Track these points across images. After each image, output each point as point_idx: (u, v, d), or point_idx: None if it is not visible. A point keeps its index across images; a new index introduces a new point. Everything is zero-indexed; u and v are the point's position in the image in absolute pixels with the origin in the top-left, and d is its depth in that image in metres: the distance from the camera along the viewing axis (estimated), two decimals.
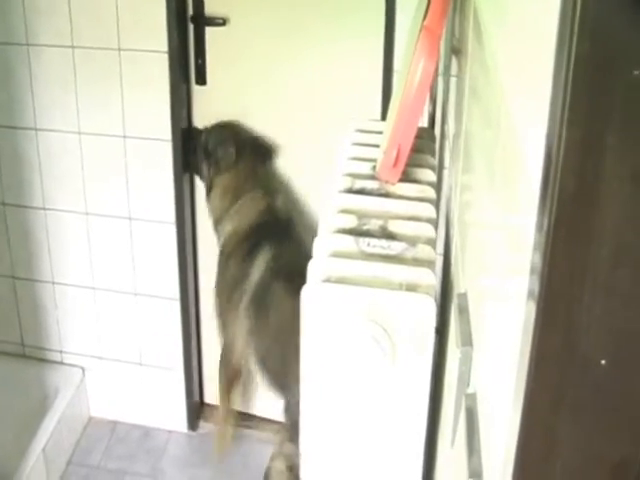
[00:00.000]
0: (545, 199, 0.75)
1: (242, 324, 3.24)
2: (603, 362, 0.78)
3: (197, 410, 4.03)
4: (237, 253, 3.33)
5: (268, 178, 3.50)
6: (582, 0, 0.68)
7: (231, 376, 3.55)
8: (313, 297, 1.67)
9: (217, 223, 3.44)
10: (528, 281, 0.83)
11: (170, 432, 3.97)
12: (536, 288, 0.79)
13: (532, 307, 0.80)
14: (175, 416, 3.96)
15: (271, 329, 3.15)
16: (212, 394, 3.99)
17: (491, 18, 1.29)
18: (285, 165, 3.50)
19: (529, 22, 0.93)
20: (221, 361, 3.53)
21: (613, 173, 0.71)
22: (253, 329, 3.21)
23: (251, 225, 3.33)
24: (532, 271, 0.81)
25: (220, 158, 3.42)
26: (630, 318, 0.77)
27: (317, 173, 3.37)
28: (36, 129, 3.62)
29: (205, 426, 4.00)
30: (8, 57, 3.53)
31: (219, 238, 3.43)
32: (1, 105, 3.62)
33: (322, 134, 3.35)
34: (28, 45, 3.48)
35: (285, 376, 3.02)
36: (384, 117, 3.14)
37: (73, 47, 3.43)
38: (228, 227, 3.38)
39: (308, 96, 3.37)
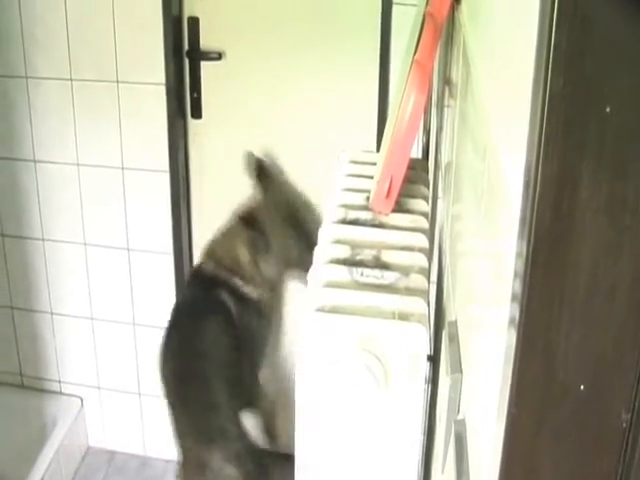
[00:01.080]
0: (523, 230, 0.78)
1: None
2: (582, 387, 0.81)
3: None
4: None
5: None
6: (555, 37, 0.71)
7: None
8: (307, 326, 1.69)
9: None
10: (509, 309, 0.85)
11: (168, 462, 3.97)
12: (516, 315, 0.81)
13: (513, 334, 0.82)
14: (173, 446, 3.96)
15: None
16: None
17: (477, 51, 1.32)
18: None
19: (510, 58, 0.96)
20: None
21: (587, 205, 0.74)
22: None
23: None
24: (512, 299, 0.83)
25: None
26: (607, 344, 0.79)
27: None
28: (35, 161, 3.65)
29: None
30: (7, 89, 3.57)
31: None
32: (0, 137, 3.65)
33: (318, 166, 3.38)
34: (27, 78, 3.52)
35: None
36: (379, 148, 3.18)
37: (72, 80, 3.48)
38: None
39: (303, 128, 3.40)
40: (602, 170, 0.73)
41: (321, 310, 1.70)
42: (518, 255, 0.81)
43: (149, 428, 3.99)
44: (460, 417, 1.26)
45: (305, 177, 3.45)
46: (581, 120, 0.72)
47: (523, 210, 0.79)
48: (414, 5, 2.99)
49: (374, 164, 2.19)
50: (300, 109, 3.40)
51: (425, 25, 1.74)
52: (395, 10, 3.09)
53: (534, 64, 0.77)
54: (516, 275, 0.82)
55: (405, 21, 3.02)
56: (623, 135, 0.72)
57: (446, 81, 2.32)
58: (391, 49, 3.13)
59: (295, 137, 3.43)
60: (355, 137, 3.30)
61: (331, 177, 3.04)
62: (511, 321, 0.84)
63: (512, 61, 0.94)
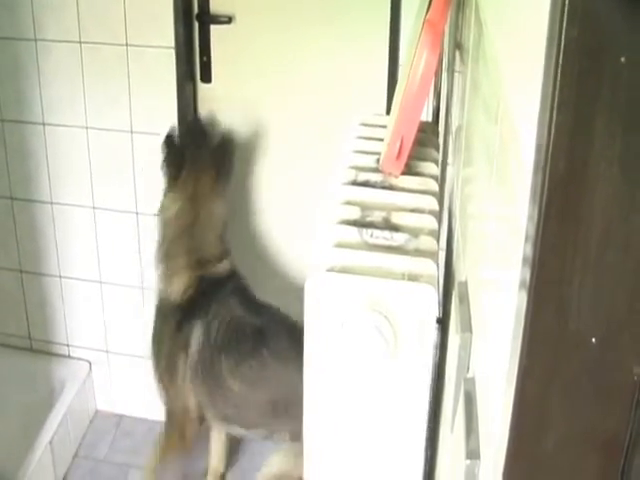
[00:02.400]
0: (536, 182, 0.78)
1: (190, 392, 3.14)
2: (594, 340, 0.81)
3: None
4: (170, 322, 3.15)
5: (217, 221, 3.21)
6: None
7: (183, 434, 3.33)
8: (317, 286, 1.70)
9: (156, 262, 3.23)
10: (521, 264, 0.85)
11: None
12: (528, 270, 0.81)
13: (525, 285, 0.82)
14: None
15: (232, 393, 3.06)
16: None
17: (490, 11, 1.31)
18: (289, 161, 3.52)
19: (523, 12, 0.95)
20: (167, 423, 3.35)
21: (601, 156, 0.74)
22: (209, 395, 3.12)
23: (183, 297, 3.10)
24: (525, 249, 0.83)
25: (169, 165, 3.20)
26: (619, 297, 0.79)
27: (322, 168, 3.41)
28: (44, 124, 3.64)
29: None
30: (16, 52, 3.55)
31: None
32: (9, 100, 3.64)
33: (328, 130, 3.38)
34: (36, 40, 3.50)
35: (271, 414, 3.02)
36: (389, 111, 3.17)
37: (81, 42, 3.46)
38: (161, 285, 3.18)
39: (314, 93, 3.39)
40: (616, 121, 0.73)
41: (331, 270, 1.70)
42: (530, 205, 0.81)
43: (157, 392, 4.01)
44: (470, 375, 1.26)
45: (315, 141, 3.44)
46: (596, 70, 0.72)
47: (536, 162, 0.79)
48: None
49: (385, 127, 2.19)
50: (310, 73, 3.38)
51: None
52: None
53: (548, 16, 0.76)
54: (528, 228, 0.82)
55: None
56: (638, 85, 0.72)
57: (457, 46, 2.31)
58: (401, 14, 3.11)
59: (305, 101, 3.42)
60: (365, 101, 3.28)
61: (341, 141, 3.04)
62: (524, 273, 0.84)
63: (526, 15, 0.94)
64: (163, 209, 3.17)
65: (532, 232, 0.80)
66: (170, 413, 3.29)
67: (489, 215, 1.21)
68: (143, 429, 3.97)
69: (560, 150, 0.74)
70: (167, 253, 3.14)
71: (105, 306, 3.90)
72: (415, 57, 1.71)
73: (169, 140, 3.23)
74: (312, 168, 3.47)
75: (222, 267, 3.13)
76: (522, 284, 0.84)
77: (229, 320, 3.03)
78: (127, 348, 3.96)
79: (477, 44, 1.56)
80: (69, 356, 4.05)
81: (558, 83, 0.73)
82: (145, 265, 3.76)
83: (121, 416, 4.06)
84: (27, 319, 4.04)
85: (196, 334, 3.04)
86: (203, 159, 3.17)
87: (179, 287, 3.09)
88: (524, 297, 0.83)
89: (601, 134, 0.73)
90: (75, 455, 3.84)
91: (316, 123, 3.41)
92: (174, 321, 3.11)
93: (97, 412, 4.08)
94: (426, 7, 1.75)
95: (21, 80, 3.59)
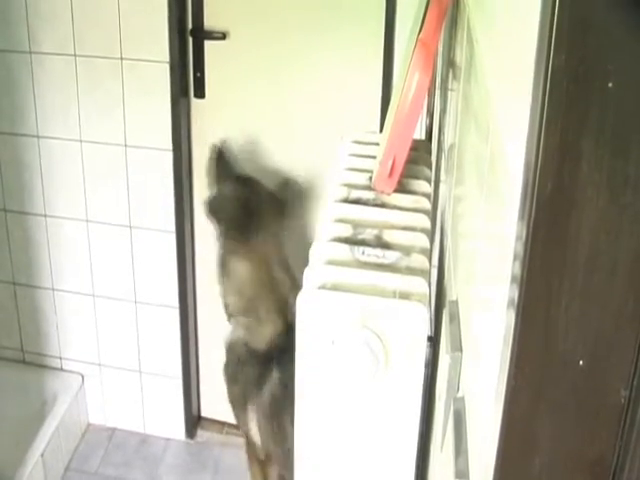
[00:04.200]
0: (524, 203, 0.78)
1: (260, 425, 3.10)
2: (581, 362, 0.81)
3: (195, 419, 4.05)
4: (248, 365, 3.06)
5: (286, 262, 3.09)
6: (558, 13, 0.71)
7: (260, 460, 3.35)
8: (308, 303, 1.70)
9: (229, 315, 3.11)
10: (509, 284, 0.86)
11: (168, 440, 4.00)
12: (517, 288, 0.82)
13: (513, 307, 0.83)
14: (173, 424, 3.99)
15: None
16: (209, 405, 4.04)
17: (481, 31, 1.32)
18: (282, 179, 3.52)
19: (513, 34, 0.96)
20: (247, 450, 3.37)
21: (588, 178, 0.74)
22: (275, 431, 3.05)
23: (265, 347, 3.00)
24: (513, 271, 0.84)
25: (229, 223, 3.05)
26: (606, 321, 0.80)
27: (315, 183, 3.41)
28: (38, 136, 3.65)
29: (203, 435, 4.02)
30: (11, 64, 3.56)
31: (230, 322, 3.13)
32: (4, 112, 3.65)
33: (320, 147, 3.39)
34: (31, 53, 3.51)
35: None
36: (382, 128, 3.18)
37: (75, 55, 3.47)
38: (239, 333, 3.08)
39: (307, 109, 3.40)
40: (603, 145, 0.74)
41: (322, 287, 1.71)
42: (518, 227, 0.81)
43: (149, 406, 4.00)
44: (460, 395, 1.27)
45: (307, 158, 3.45)
46: (583, 95, 0.73)
47: (524, 183, 0.80)
48: None
49: (377, 144, 2.20)
50: (303, 91, 3.39)
51: (430, 5, 1.74)
52: None
53: (537, 40, 0.77)
54: (517, 247, 0.82)
55: (410, 3, 3.02)
56: (625, 111, 0.72)
57: (450, 64, 2.32)
58: (395, 31, 3.12)
59: (298, 118, 3.43)
60: (358, 119, 3.29)
61: (333, 158, 3.04)
62: (512, 294, 0.84)
63: (515, 38, 0.95)
64: (233, 271, 3.04)
65: (520, 252, 0.81)
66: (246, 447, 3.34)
67: (479, 234, 1.21)
68: (135, 442, 3.98)
69: (548, 171, 0.75)
70: (247, 308, 3.03)
71: (98, 319, 3.90)
72: (407, 76, 1.72)
73: (221, 200, 3.13)
74: (305, 184, 3.47)
75: None
76: (510, 303, 0.85)
77: None
78: (120, 361, 3.96)
79: (469, 63, 1.56)
80: (62, 369, 4.05)
81: (546, 106, 0.74)
82: (137, 279, 3.76)
83: (113, 429, 4.06)
84: (20, 331, 4.04)
85: (272, 380, 2.97)
86: (267, 211, 3.07)
87: (266, 336, 3.00)
88: (512, 317, 0.83)
89: (588, 157, 0.74)
90: (67, 468, 3.83)
91: (309, 139, 3.42)
92: (254, 366, 3.03)
93: (89, 425, 4.08)
94: (419, 26, 1.75)
95: (16, 92, 3.60)
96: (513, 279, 0.84)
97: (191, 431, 4.01)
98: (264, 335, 3.00)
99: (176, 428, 3.99)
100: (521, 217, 0.81)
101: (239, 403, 3.15)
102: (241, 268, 3.02)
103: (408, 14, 2.97)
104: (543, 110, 0.74)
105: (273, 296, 3.00)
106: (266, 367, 2.98)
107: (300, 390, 1.78)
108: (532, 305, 0.81)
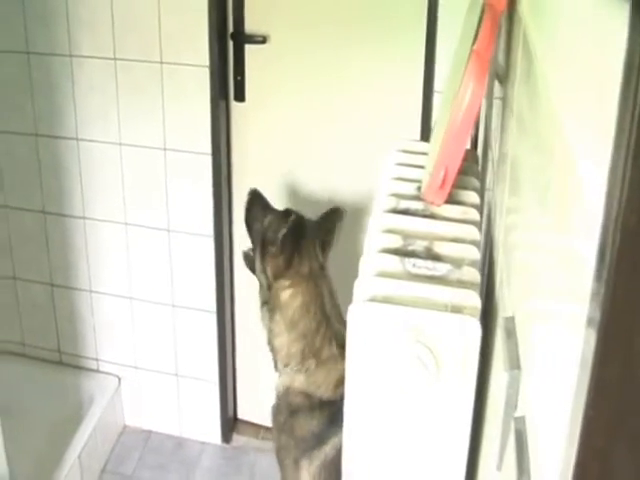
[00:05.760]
0: (607, 233, 0.77)
1: None
2: None
3: (231, 423, 4.05)
4: (308, 416, 2.75)
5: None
6: None
7: None
8: (359, 316, 1.70)
9: (282, 364, 2.81)
10: (588, 309, 0.84)
11: (204, 444, 4.01)
12: (597, 316, 0.80)
13: (592, 335, 0.81)
14: (209, 428, 3.99)
15: None
16: (245, 409, 4.04)
17: (546, 50, 1.31)
18: (321, 184, 3.52)
19: (591, 64, 0.94)
20: None
21: None
22: None
23: (332, 394, 2.69)
24: (592, 299, 0.82)
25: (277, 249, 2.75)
26: None
27: (355, 193, 3.41)
28: (77, 139, 3.67)
29: (239, 439, 4.03)
30: (52, 68, 3.58)
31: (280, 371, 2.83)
32: (44, 115, 3.67)
33: (359, 154, 3.39)
34: (71, 56, 3.53)
35: None
36: (423, 137, 3.17)
37: (115, 59, 3.49)
38: (294, 381, 2.77)
39: (347, 114, 3.40)
40: None
41: (373, 300, 1.70)
42: (599, 257, 0.80)
43: (185, 409, 4.01)
44: (519, 414, 1.26)
45: (348, 161, 3.45)
46: None
47: (606, 215, 0.78)
48: None
49: (424, 154, 2.19)
50: (343, 97, 3.39)
51: (485, 15, 1.73)
52: (442, 2, 3.06)
53: (623, 70, 0.76)
54: (597, 276, 0.81)
55: (451, 14, 3.01)
56: None
57: (497, 74, 2.31)
58: (437, 42, 3.11)
59: (337, 125, 3.43)
60: (398, 127, 3.29)
61: (373, 165, 3.01)
62: (590, 321, 0.83)
63: (593, 67, 0.93)
64: (284, 306, 2.76)
65: (602, 279, 0.79)
66: None
67: (544, 251, 1.20)
68: (171, 445, 4.00)
69: (632, 206, 0.74)
70: (304, 350, 2.74)
71: (135, 322, 3.91)
72: (461, 87, 1.71)
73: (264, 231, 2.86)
74: (345, 188, 3.47)
75: None
76: (590, 322, 0.83)
77: None
78: (156, 364, 3.97)
79: (525, 76, 1.55)
80: (98, 370, 4.07)
81: (633, 137, 0.72)
82: (175, 282, 3.77)
83: (149, 432, 4.07)
84: (57, 333, 4.07)
85: (332, 442, 2.65)
86: (311, 238, 2.80)
87: (330, 381, 2.71)
88: (591, 347, 0.82)
89: None
90: (103, 470, 3.85)
91: (349, 143, 3.42)
92: (317, 418, 2.75)
93: (125, 427, 4.10)
94: (472, 35, 1.74)
95: (55, 95, 3.62)
96: (594, 298, 0.82)
97: (227, 435, 4.01)
98: (329, 381, 2.72)
99: (212, 432, 4.00)
100: (602, 244, 0.79)
101: (289, 455, 2.83)
102: (288, 298, 2.74)
103: (449, 26, 2.98)
104: (630, 141, 0.73)
105: (330, 333, 2.74)
106: (332, 418, 2.62)
107: (350, 405, 1.78)
108: (614, 329, 0.79)
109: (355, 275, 1.85)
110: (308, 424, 2.75)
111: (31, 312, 4.08)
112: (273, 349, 2.81)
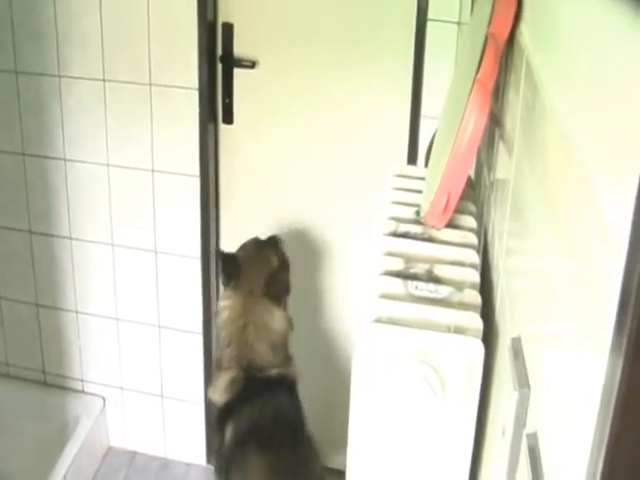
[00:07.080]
0: (633, 269, 0.80)
1: None
2: None
3: None
4: (216, 421, 3.15)
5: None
6: None
7: None
8: (365, 337, 1.73)
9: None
10: (612, 336, 0.86)
11: (189, 465, 4.02)
12: (624, 343, 0.82)
13: (618, 360, 0.83)
14: (194, 449, 4.00)
15: None
16: None
17: (555, 82, 1.34)
18: (309, 206, 3.56)
19: (607, 85, 0.97)
20: None
21: None
22: None
23: (225, 403, 3.06)
24: (618, 326, 0.84)
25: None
26: None
27: (340, 216, 3.45)
28: (65, 159, 3.69)
29: None
30: (40, 88, 3.60)
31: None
32: (32, 135, 3.69)
33: (346, 177, 3.43)
34: (60, 77, 3.56)
35: None
36: (410, 159, 3.23)
37: (104, 80, 3.51)
38: (215, 396, 3.14)
39: (334, 138, 3.44)
40: None
41: (378, 321, 1.74)
42: (624, 286, 0.82)
43: (170, 430, 4.02)
44: (530, 431, 1.29)
45: (333, 187, 3.49)
46: None
47: (631, 251, 0.80)
48: (449, 22, 3.04)
49: (421, 178, 2.24)
50: (330, 121, 3.43)
51: (487, 46, 1.77)
52: (430, 26, 3.12)
53: None
54: (622, 304, 0.83)
55: (439, 37, 3.07)
56: None
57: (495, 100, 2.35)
58: (424, 65, 3.16)
59: (324, 148, 3.47)
60: (387, 150, 3.34)
61: (361, 187, 3.06)
62: (615, 346, 0.84)
63: (612, 94, 0.96)
64: (218, 312, 3.17)
65: (629, 307, 0.81)
66: None
67: (556, 276, 1.23)
68: (156, 466, 4.00)
69: None
70: (219, 358, 3.14)
71: (121, 342, 3.93)
72: (464, 115, 1.75)
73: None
74: (331, 211, 3.51)
75: (269, 373, 3.05)
76: (612, 369, 0.85)
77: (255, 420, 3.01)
78: (141, 385, 3.98)
79: (531, 105, 1.59)
80: (83, 391, 4.08)
81: None
82: (162, 303, 3.79)
83: (134, 453, 4.07)
84: (42, 353, 4.07)
85: (228, 433, 3.00)
86: (259, 269, 3.13)
87: (220, 389, 3.07)
88: (620, 360, 0.83)
89: None
90: None
91: (337, 166, 3.46)
92: (216, 420, 3.12)
93: (110, 448, 4.10)
94: (476, 66, 1.79)
95: (44, 115, 3.64)
96: (619, 325, 0.83)
97: (212, 457, 4.01)
98: (218, 388, 3.08)
99: (197, 453, 4.01)
100: (627, 276, 0.81)
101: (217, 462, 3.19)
102: (222, 307, 3.13)
103: (437, 50, 3.04)
104: None
105: (240, 351, 3.05)
106: (225, 420, 3.04)
107: (355, 423, 1.81)
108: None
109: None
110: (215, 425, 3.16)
111: (16, 332, 4.08)
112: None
